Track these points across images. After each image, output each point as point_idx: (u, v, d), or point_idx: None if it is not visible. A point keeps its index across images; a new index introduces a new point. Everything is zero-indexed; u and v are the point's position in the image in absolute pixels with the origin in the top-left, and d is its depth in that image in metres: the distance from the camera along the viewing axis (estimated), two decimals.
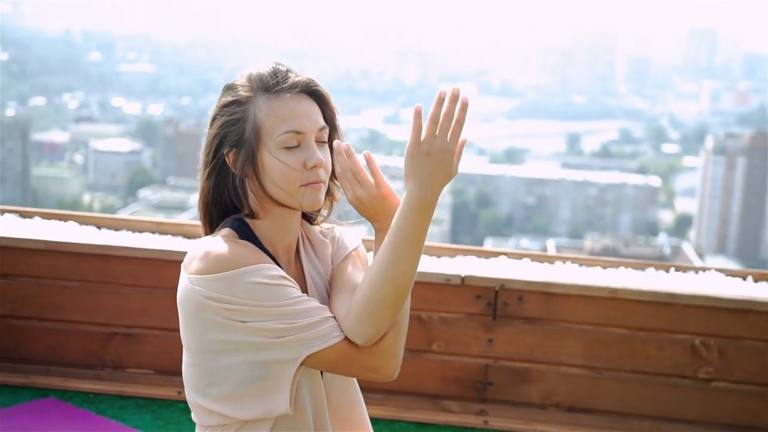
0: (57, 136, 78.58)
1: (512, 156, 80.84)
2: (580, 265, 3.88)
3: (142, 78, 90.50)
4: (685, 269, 3.90)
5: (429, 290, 3.59)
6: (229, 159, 1.86)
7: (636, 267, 3.89)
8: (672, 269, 3.89)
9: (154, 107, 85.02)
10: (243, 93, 1.86)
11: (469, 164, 73.54)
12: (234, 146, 1.86)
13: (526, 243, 61.29)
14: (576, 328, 3.59)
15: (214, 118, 1.90)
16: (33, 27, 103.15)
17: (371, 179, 1.90)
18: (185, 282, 1.82)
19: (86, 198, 69.35)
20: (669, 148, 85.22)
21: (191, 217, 64.31)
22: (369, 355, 1.84)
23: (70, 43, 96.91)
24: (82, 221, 3.91)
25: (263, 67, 1.89)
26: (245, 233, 1.89)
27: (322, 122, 1.89)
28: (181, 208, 65.53)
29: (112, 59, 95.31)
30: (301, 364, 1.82)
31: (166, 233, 3.88)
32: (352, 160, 1.88)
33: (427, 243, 3.83)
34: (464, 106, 1.73)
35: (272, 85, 1.85)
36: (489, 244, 55.38)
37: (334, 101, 1.97)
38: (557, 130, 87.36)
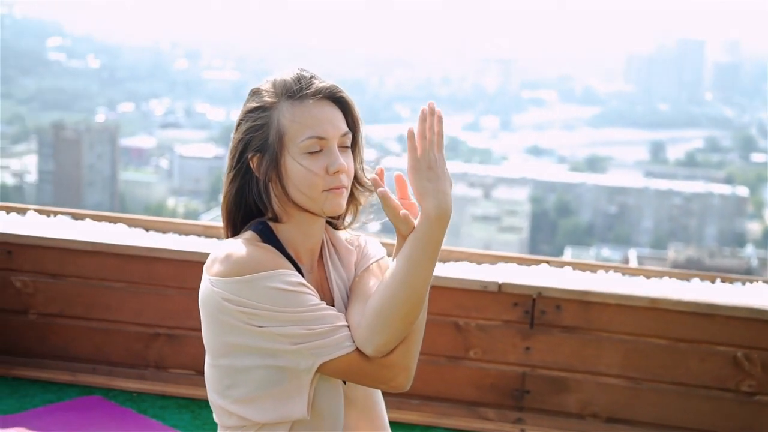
0: (144, 141, 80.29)
1: (594, 164, 79.76)
2: (623, 274, 3.83)
3: (227, 85, 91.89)
4: (731, 280, 3.82)
5: (466, 297, 3.59)
6: (253, 163, 1.90)
7: (681, 277, 3.83)
8: (718, 280, 3.82)
9: (237, 113, 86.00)
10: (267, 99, 1.90)
11: (548, 172, 72.91)
12: (258, 151, 1.89)
13: (607, 253, 60.41)
14: (615, 338, 3.55)
15: (239, 123, 1.94)
16: (123, 36, 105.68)
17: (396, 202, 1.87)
18: (206, 283, 1.86)
19: (170, 202, 70.66)
20: (758, 158, 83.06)
21: None
22: (379, 366, 1.85)
23: (158, 51, 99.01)
24: (131, 223, 4.01)
25: (288, 73, 1.92)
26: (268, 237, 1.92)
27: (344, 128, 1.91)
28: None
29: (197, 66, 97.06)
30: (316, 372, 1.85)
31: (212, 236, 3.96)
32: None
33: (466, 249, 3.84)
34: (440, 119, 1.82)
35: (296, 90, 1.88)
36: (569, 254, 54.75)
37: (358, 108, 2.00)
38: (641, 139, 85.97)
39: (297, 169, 1.87)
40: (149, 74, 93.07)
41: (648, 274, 3.83)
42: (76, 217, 4.04)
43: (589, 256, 54.82)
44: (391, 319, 1.82)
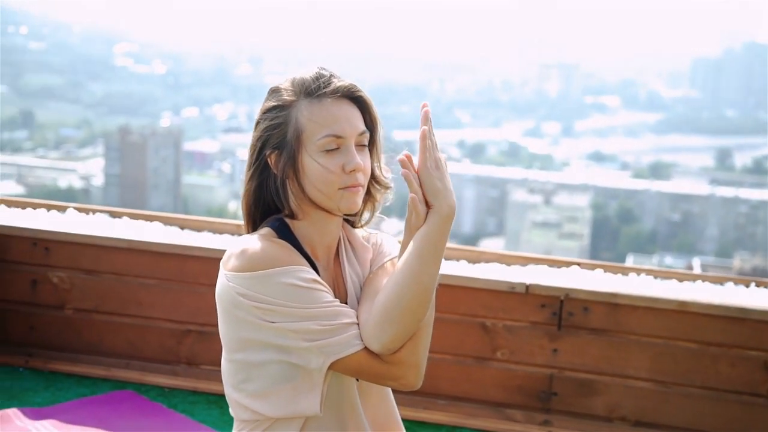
0: (207, 145, 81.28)
1: (657, 171, 78.67)
2: (655, 277, 3.79)
3: None
4: (767, 285, 3.76)
5: (493, 297, 3.59)
6: (271, 160, 1.93)
7: (714, 281, 3.78)
8: (752, 284, 3.76)
9: None
10: (286, 97, 1.92)
11: (610, 178, 72.10)
12: (276, 148, 1.92)
13: (670, 261, 59.49)
14: (643, 341, 3.51)
15: (258, 122, 1.97)
16: (189, 42, 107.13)
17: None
18: (222, 278, 1.89)
19: (232, 205, 71.35)
20: None
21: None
22: (389, 364, 1.86)
23: (222, 57, 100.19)
24: (167, 222, 4.08)
25: (307, 72, 1.95)
26: (284, 233, 1.95)
27: (362, 127, 1.93)
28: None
29: (260, 72, 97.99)
30: (328, 369, 1.87)
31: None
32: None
33: (496, 251, 3.83)
34: (430, 121, 1.89)
35: (314, 89, 1.91)
36: (630, 261, 54.05)
37: (376, 108, 2.02)
38: (706, 145, 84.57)
39: (314, 167, 1.89)
40: (213, 80, 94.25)
41: (680, 278, 3.79)
42: (114, 215, 4.12)
43: (651, 264, 54.00)
44: (398, 315, 1.83)
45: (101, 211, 4.13)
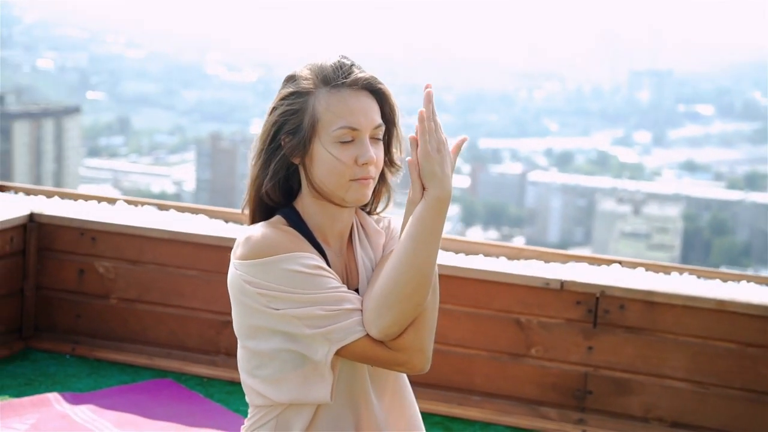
0: None
1: (753, 181, 76.59)
2: (698, 277, 3.71)
3: None
4: None
5: (528, 293, 3.56)
6: (284, 144, 1.93)
7: (760, 282, 3.68)
8: None
9: None
10: (305, 84, 1.93)
11: (704, 189, 70.53)
12: (290, 134, 1.92)
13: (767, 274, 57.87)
14: (680, 340, 3.44)
15: (273, 108, 1.97)
16: (279, 50, 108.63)
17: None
18: (231, 267, 1.91)
19: None
20: None
21: None
22: (394, 350, 1.86)
23: None
24: (212, 215, 4.15)
25: (327, 60, 1.95)
26: (294, 221, 1.95)
27: (378, 120, 1.93)
28: None
29: None
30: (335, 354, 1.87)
31: None
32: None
33: (537, 248, 3.79)
34: (428, 98, 1.85)
35: (333, 78, 1.91)
36: None
37: (395, 99, 2.02)
38: None
39: (326, 157, 1.90)
40: None
41: (724, 278, 3.69)
42: (162, 207, 4.21)
43: None
44: (395, 300, 1.82)
45: (149, 204, 4.22)
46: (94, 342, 3.96)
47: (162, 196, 71.10)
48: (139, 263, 3.90)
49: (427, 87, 1.88)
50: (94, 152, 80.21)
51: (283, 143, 1.95)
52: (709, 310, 3.38)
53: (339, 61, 1.94)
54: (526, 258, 3.84)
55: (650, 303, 3.44)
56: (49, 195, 4.26)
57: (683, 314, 3.42)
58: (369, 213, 2.09)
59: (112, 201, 4.24)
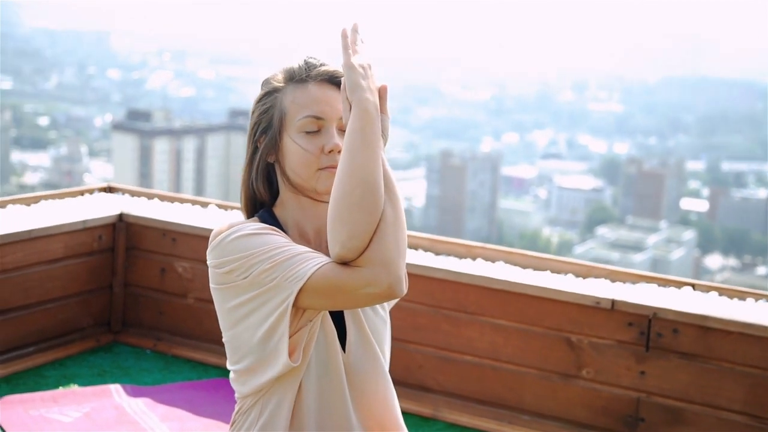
0: (525, 171, 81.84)
1: None
2: None
3: (610, 117, 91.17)
4: None
5: (579, 312, 3.40)
6: (260, 145, 2.02)
7: None
8: None
9: (620, 146, 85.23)
10: (274, 84, 2.03)
11: None
12: (264, 132, 2.02)
13: None
14: (737, 370, 3.17)
15: (252, 112, 2.07)
16: (513, 68, 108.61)
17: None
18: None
19: (545, 231, 71.31)
20: None
21: (645, 258, 63.33)
22: (358, 269, 1.81)
23: (545, 82, 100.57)
24: None
25: (296, 61, 2.05)
26: (267, 221, 2.02)
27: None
28: (637, 247, 64.85)
29: (583, 98, 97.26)
30: (303, 311, 1.87)
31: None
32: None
33: (604, 266, 3.60)
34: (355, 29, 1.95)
35: (299, 74, 2.01)
36: None
37: None
38: None
39: (294, 148, 1.97)
40: (535, 105, 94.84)
41: None
42: (222, 207, 4.34)
43: None
44: (345, 211, 1.81)
45: (236, 208, 4.35)
46: (173, 339, 4.14)
47: None
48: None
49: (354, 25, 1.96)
50: None
51: (259, 144, 2.03)
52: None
53: (306, 60, 2.02)
54: (596, 276, 3.66)
55: (704, 328, 3.20)
56: (150, 197, 4.49)
57: (740, 342, 3.15)
58: None
59: (204, 205, 4.41)
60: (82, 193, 4.47)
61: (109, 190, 4.58)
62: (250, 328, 1.90)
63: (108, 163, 77.89)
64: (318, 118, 1.96)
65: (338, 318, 2.00)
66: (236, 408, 2.04)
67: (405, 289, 1.84)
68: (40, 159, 76.86)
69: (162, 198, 4.48)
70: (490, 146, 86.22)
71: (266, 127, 2.01)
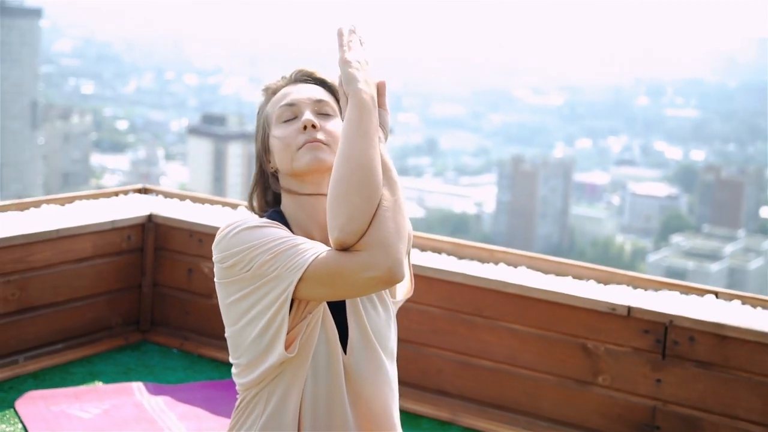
0: (598, 177, 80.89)
1: None
2: None
3: (687, 123, 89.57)
4: None
5: (595, 318, 3.35)
6: (257, 154, 2.17)
7: None
8: None
9: (696, 153, 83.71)
10: (264, 99, 2.18)
11: None
12: (260, 142, 2.16)
13: None
14: (755, 380, 3.09)
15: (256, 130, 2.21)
16: (587, 73, 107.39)
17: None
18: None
19: (618, 239, 70.32)
20: None
21: (722, 267, 62.03)
22: (357, 252, 1.83)
23: (620, 88, 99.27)
24: None
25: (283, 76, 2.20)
26: (274, 219, 2.06)
27: (319, 95, 2.09)
28: (713, 257, 63.53)
29: (659, 104, 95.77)
30: (306, 303, 1.91)
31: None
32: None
33: (626, 272, 3.55)
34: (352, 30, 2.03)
35: (279, 84, 2.17)
36: None
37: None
38: None
39: (276, 141, 2.07)
40: (609, 112, 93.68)
41: None
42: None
43: None
44: (343, 195, 1.85)
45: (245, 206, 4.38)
46: (199, 339, 4.18)
47: (462, 217, 72.51)
48: None
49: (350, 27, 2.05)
50: (402, 172, 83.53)
51: (257, 154, 2.17)
52: None
53: (292, 71, 2.18)
54: (617, 283, 3.61)
55: (721, 336, 3.12)
56: (182, 198, 4.55)
57: (757, 351, 3.07)
58: None
59: (233, 206, 4.45)
60: (116, 194, 4.55)
61: (144, 191, 4.65)
62: (251, 324, 1.93)
63: (183, 167, 79.32)
64: (291, 105, 2.07)
65: (340, 319, 2.01)
66: (237, 402, 2.08)
67: (405, 273, 1.85)
68: (119, 162, 78.64)
69: (194, 200, 4.53)
70: (562, 152, 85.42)
71: (260, 137, 2.15)
